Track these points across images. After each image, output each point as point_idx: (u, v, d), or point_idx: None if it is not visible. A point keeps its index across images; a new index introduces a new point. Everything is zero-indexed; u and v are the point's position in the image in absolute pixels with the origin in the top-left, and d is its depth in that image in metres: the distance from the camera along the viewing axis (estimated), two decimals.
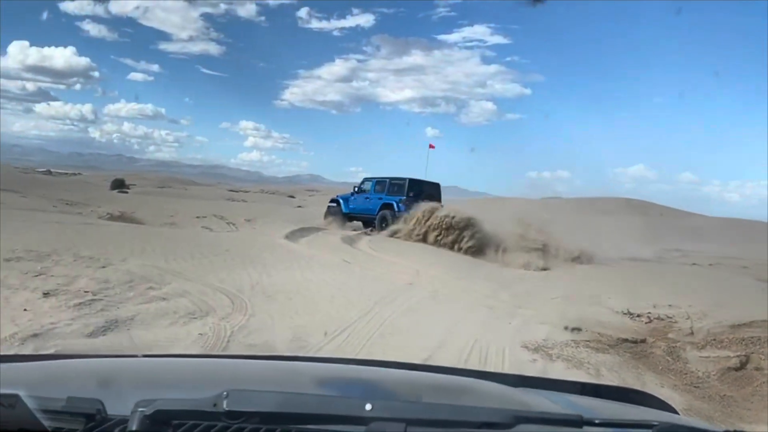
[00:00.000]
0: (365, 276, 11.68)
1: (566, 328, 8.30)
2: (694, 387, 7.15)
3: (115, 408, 1.05)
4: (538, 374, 6.17)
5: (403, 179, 21.44)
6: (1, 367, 1.85)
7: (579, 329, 8.30)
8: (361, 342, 7.05)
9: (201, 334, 6.73)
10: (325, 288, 9.68)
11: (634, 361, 7.49)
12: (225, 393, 1.04)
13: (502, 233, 17.69)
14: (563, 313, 9.23)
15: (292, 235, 17.03)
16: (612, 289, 11.60)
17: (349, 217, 22.29)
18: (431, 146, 25.06)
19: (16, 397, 0.94)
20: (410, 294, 10.14)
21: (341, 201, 22.73)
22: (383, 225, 20.73)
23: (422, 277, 12.55)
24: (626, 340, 8.09)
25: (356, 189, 22.41)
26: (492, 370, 6.37)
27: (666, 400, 1.98)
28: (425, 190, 21.16)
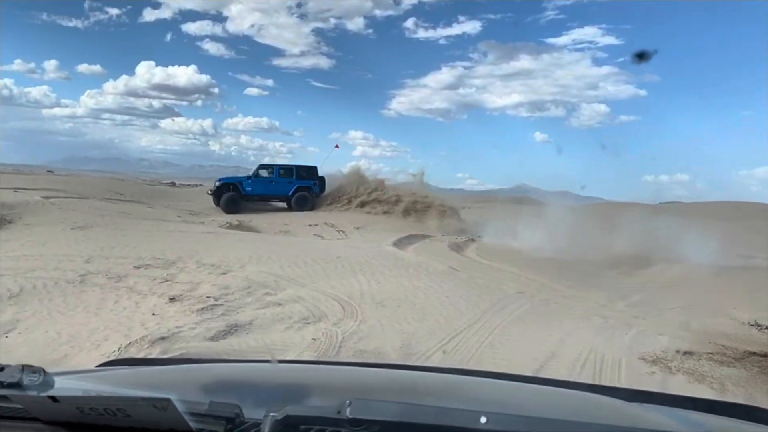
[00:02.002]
0: (473, 283, 11.60)
1: (687, 339, 7.85)
2: None
3: (250, 412, 1.14)
4: (656, 388, 5.87)
5: (312, 166, 26.87)
6: (150, 370, 2.04)
7: (701, 342, 7.84)
8: (470, 351, 7.01)
9: (314, 339, 6.94)
10: (433, 295, 9.69)
11: (764, 376, 6.96)
12: (348, 402, 1.11)
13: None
14: (684, 324, 8.76)
15: (400, 243, 17.20)
16: (737, 299, 10.87)
17: (246, 198, 25.34)
18: (336, 147, 32.90)
19: (168, 401, 1.05)
20: (520, 302, 9.96)
21: (238, 184, 25.37)
22: (303, 204, 25.42)
23: (531, 284, 12.31)
24: (754, 354, 7.53)
25: (253, 174, 25.79)
26: (607, 382, 6.15)
27: None
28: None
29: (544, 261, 15.94)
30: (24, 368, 1.14)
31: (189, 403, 1.09)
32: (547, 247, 18.16)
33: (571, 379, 4.89)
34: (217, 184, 25.40)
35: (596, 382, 6.09)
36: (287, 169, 26.29)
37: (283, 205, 26.37)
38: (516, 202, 32.98)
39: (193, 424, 1.07)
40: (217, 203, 25.04)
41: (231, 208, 24.39)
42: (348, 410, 1.09)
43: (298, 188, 25.85)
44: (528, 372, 5.75)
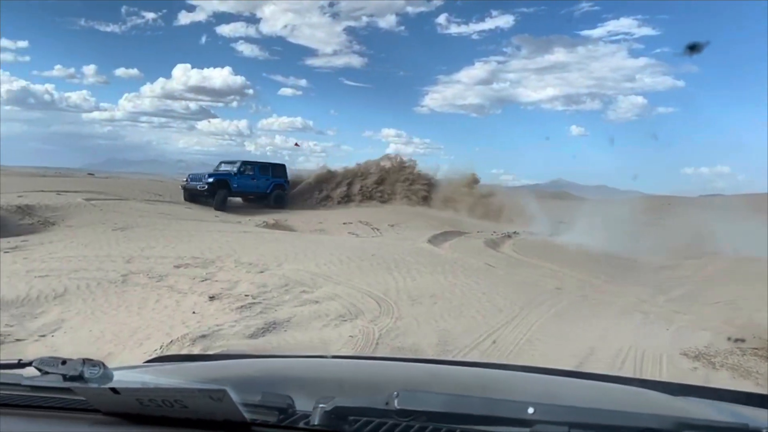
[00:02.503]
0: (510, 280, 11.53)
1: (730, 336, 7.68)
2: None
3: (300, 403, 1.17)
4: (699, 384, 5.74)
5: (283, 164, 28.10)
6: (203, 364, 2.10)
7: (745, 337, 7.66)
8: (507, 348, 6.97)
9: (351, 336, 6.98)
10: (470, 292, 9.66)
11: None
12: (396, 393, 1.12)
13: None
14: (727, 319, 8.58)
15: (435, 239, 17.16)
16: None
17: (231, 194, 24.98)
18: (296, 144, 33.58)
19: (224, 392, 1.08)
20: (558, 298, 9.87)
21: (227, 181, 24.81)
22: (281, 201, 26.23)
23: (570, 280, 12.19)
24: None
25: (239, 171, 25.43)
26: (648, 378, 6.06)
27: None
28: None
29: (582, 256, 15.76)
30: (85, 362, 1.18)
31: (243, 395, 1.12)
32: (586, 242, 17.98)
33: (614, 374, 4.84)
34: (210, 180, 24.52)
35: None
36: (265, 167, 26.84)
37: (239, 200, 26.12)
38: (553, 197, 32.71)
39: (247, 415, 1.10)
40: (189, 198, 24.37)
41: (224, 205, 24.02)
42: (396, 401, 1.11)
43: (275, 185, 26.51)
44: (567, 369, 5.70)
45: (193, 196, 24.42)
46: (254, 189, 26.04)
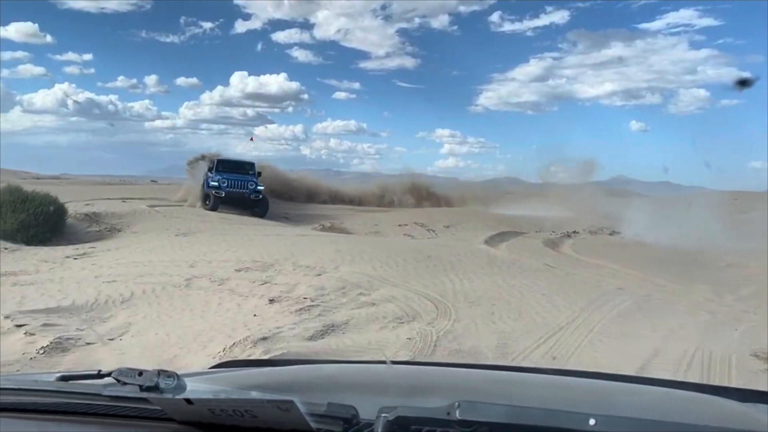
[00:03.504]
0: (570, 280, 11.33)
1: None
2: None
3: (362, 412, 1.19)
4: None
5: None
6: (268, 371, 2.15)
7: None
8: (569, 350, 6.85)
9: (409, 338, 6.98)
10: (528, 293, 9.54)
11: None
12: (457, 403, 1.13)
13: None
14: None
15: (492, 240, 17.02)
16: None
17: None
18: (251, 139, 31.17)
19: (291, 402, 1.11)
20: (620, 299, 9.64)
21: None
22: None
23: (632, 280, 11.89)
24: None
25: (259, 173, 24.07)
26: (717, 381, 5.87)
27: None
28: None
29: (645, 255, 15.38)
30: (160, 373, 1.24)
31: (309, 404, 1.14)
32: (648, 240, 17.55)
33: (678, 379, 4.69)
34: (260, 188, 22.98)
35: (705, 382, 5.82)
36: (250, 167, 24.85)
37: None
38: (614, 195, 32.00)
39: (313, 424, 1.13)
40: (213, 207, 21.90)
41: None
42: (457, 412, 1.11)
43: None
44: (630, 371, 5.56)
45: (209, 202, 22.24)
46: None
